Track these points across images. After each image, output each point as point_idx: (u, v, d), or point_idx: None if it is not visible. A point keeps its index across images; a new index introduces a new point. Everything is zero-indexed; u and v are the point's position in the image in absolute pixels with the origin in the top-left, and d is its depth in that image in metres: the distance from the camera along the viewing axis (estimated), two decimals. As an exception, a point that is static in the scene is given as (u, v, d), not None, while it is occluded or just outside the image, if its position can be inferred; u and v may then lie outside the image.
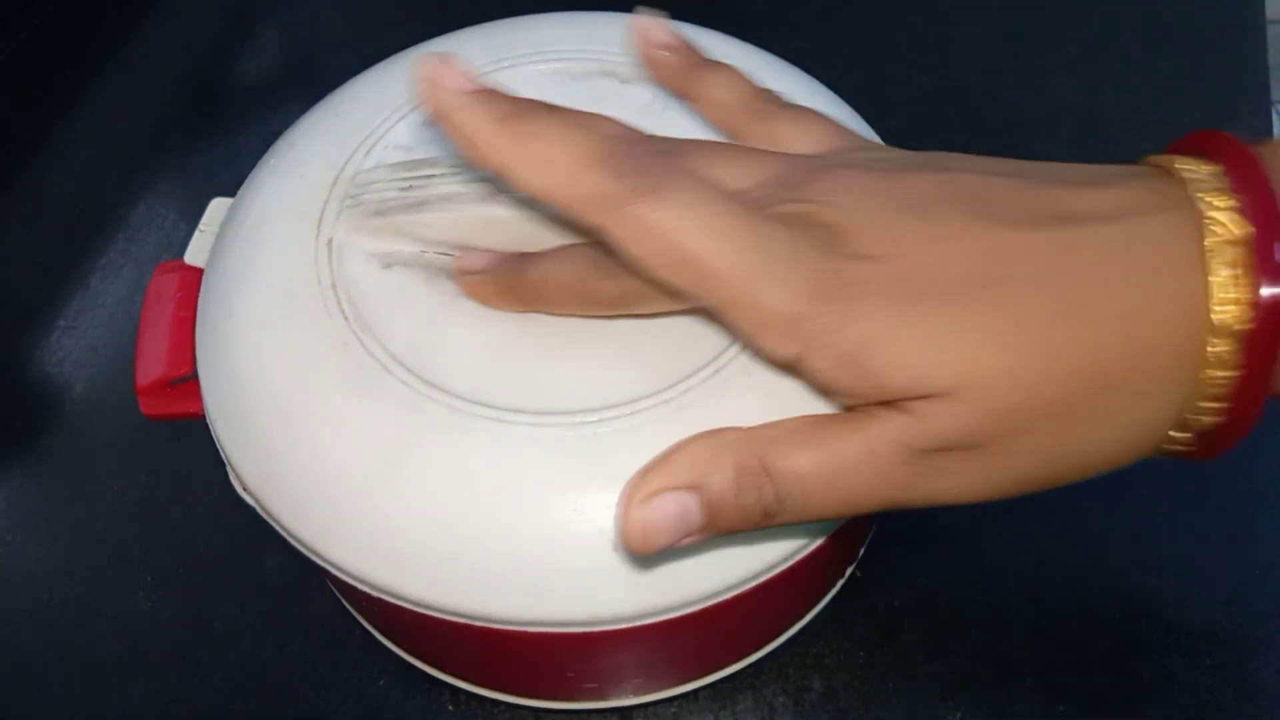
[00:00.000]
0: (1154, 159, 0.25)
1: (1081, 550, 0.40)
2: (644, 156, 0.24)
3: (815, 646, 0.38)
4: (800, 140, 0.28)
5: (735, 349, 0.29)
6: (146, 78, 0.58)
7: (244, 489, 0.31)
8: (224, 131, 0.55)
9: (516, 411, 0.28)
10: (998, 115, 0.53)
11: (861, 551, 0.38)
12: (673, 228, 0.23)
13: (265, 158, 0.36)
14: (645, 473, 0.24)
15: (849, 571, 0.38)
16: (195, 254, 0.35)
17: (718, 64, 0.31)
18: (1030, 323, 0.22)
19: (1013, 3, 0.59)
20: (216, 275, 0.33)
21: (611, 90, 0.35)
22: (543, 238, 0.31)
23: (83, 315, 0.48)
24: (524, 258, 0.29)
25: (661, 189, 0.23)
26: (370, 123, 0.34)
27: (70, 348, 0.47)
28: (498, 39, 0.37)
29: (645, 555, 0.26)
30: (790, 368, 0.24)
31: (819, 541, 0.29)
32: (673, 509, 0.24)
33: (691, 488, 0.24)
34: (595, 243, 0.26)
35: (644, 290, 0.26)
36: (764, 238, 0.23)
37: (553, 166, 0.24)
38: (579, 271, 0.28)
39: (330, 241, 0.32)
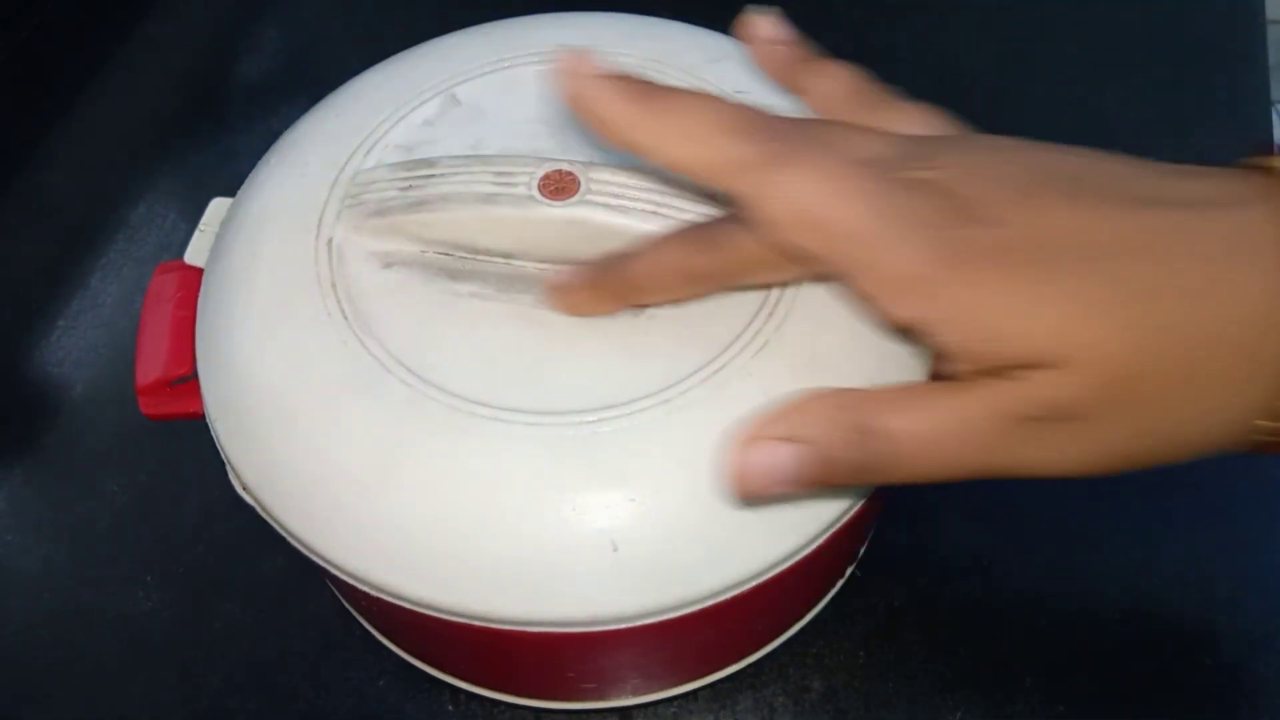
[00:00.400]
0: (1243, 161, 0.26)
1: (1081, 550, 0.40)
2: (777, 125, 0.25)
3: (815, 646, 0.38)
4: (912, 127, 0.28)
5: (734, 349, 0.29)
6: (146, 78, 0.58)
7: (244, 489, 0.31)
8: (224, 131, 0.55)
9: (515, 411, 0.28)
10: (998, 115, 0.53)
11: (861, 551, 0.38)
12: (805, 191, 0.24)
13: (265, 157, 0.35)
14: (750, 422, 0.25)
15: (849, 571, 0.38)
16: (195, 254, 0.35)
17: (827, 60, 0.31)
18: (1140, 298, 0.23)
19: (1013, 3, 0.59)
20: (216, 275, 0.33)
21: None
22: (540, 237, 0.31)
23: (83, 315, 0.48)
24: (614, 258, 0.30)
25: (795, 154, 0.24)
26: (370, 122, 0.34)
27: (70, 348, 0.47)
28: (498, 39, 0.37)
29: (746, 500, 0.27)
30: (908, 330, 0.25)
31: (819, 541, 0.29)
32: (768, 457, 0.25)
33: (790, 439, 0.25)
34: (679, 228, 0.29)
35: (745, 260, 0.28)
36: (892, 202, 0.24)
37: (690, 139, 0.25)
38: (676, 253, 0.29)
39: (330, 241, 0.32)
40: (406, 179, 0.32)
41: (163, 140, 0.55)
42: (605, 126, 0.26)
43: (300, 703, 0.38)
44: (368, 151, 0.34)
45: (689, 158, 0.25)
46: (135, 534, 0.42)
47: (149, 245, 0.50)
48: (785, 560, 0.29)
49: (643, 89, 0.26)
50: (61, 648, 0.39)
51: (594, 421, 0.28)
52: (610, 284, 0.30)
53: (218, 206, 0.36)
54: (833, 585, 0.38)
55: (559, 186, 0.31)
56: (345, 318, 0.30)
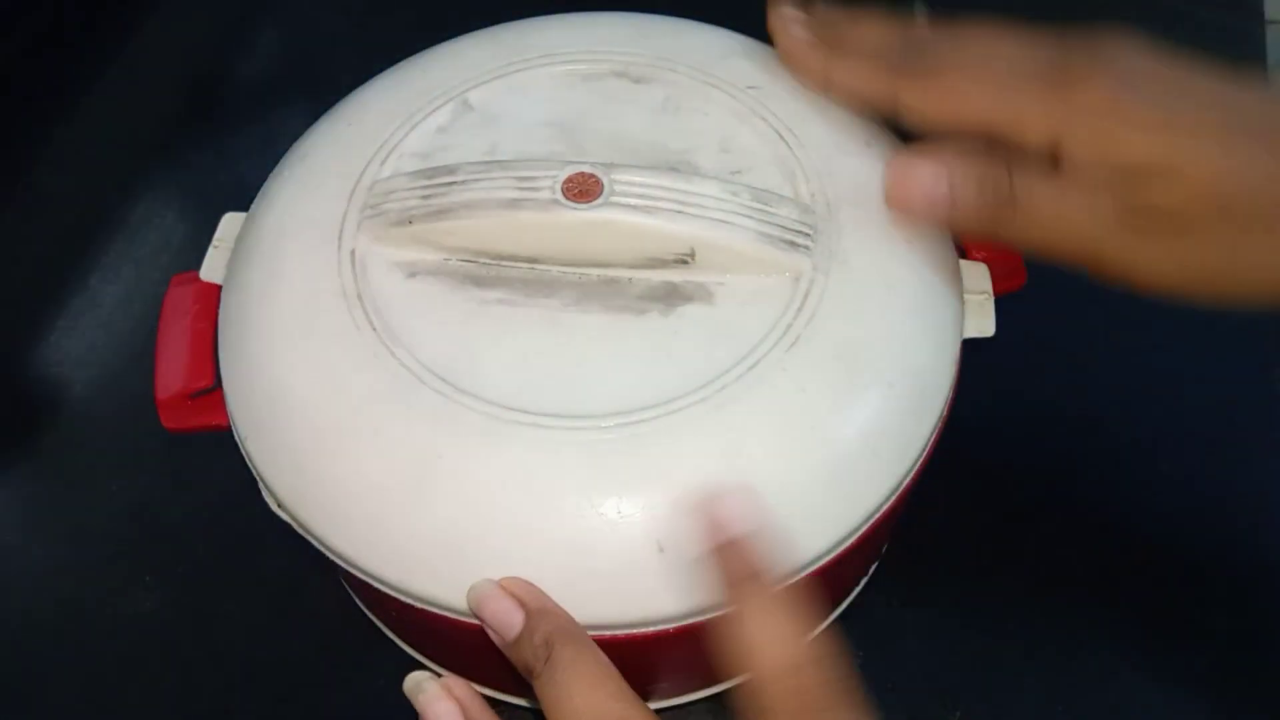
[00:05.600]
0: None
1: (1080, 551, 0.40)
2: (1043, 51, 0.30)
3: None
4: (987, 47, 0.31)
5: (767, 344, 0.29)
6: (146, 78, 0.58)
7: (279, 506, 0.31)
8: (224, 132, 0.55)
9: (552, 415, 0.28)
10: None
11: (884, 548, 0.38)
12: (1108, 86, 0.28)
13: (277, 170, 0.35)
14: (912, 150, 0.31)
15: (871, 569, 0.38)
16: (211, 270, 0.35)
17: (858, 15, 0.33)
18: (1243, 140, 0.27)
19: (1013, 3, 0.59)
20: (238, 290, 0.33)
21: (624, 90, 0.35)
22: (566, 240, 0.31)
23: (83, 315, 0.48)
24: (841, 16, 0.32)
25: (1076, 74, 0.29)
26: (383, 131, 0.34)
27: (70, 348, 0.47)
28: (507, 42, 0.37)
29: (899, 211, 0.31)
30: (1049, 136, 0.28)
31: (862, 530, 0.30)
32: (928, 173, 0.30)
33: (945, 165, 0.30)
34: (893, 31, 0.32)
35: (931, 56, 0.31)
36: (1040, 60, 0.29)
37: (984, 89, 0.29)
38: (888, 36, 0.32)
39: (353, 253, 0.32)
40: (427, 187, 0.32)
41: (162, 140, 0.55)
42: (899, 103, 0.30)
43: (300, 703, 0.38)
44: (383, 160, 0.33)
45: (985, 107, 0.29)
46: (135, 534, 0.42)
47: (148, 245, 0.50)
48: (830, 551, 0.29)
49: (914, 57, 0.30)
50: (61, 647, 0.39)
51: (633, 423, 0.28)
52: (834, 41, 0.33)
53: (231, 222, 0.36)
54: (859, 580, 0.38)
55: (582, 189, 0.31)
56: (374, 329, 0.30)
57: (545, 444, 0.28)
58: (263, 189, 0.35)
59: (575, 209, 0.30)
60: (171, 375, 0.33)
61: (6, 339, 0.48)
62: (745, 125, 0.34)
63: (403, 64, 0.37)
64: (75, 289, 0.49)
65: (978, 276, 0.34)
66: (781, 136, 0.33)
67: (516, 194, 0.31)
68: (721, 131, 0.34)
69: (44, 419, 0.45)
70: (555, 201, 0.31)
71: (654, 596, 0.28)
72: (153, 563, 0.41)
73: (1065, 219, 0.28)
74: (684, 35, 0.37)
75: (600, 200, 0.31)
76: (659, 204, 0.31)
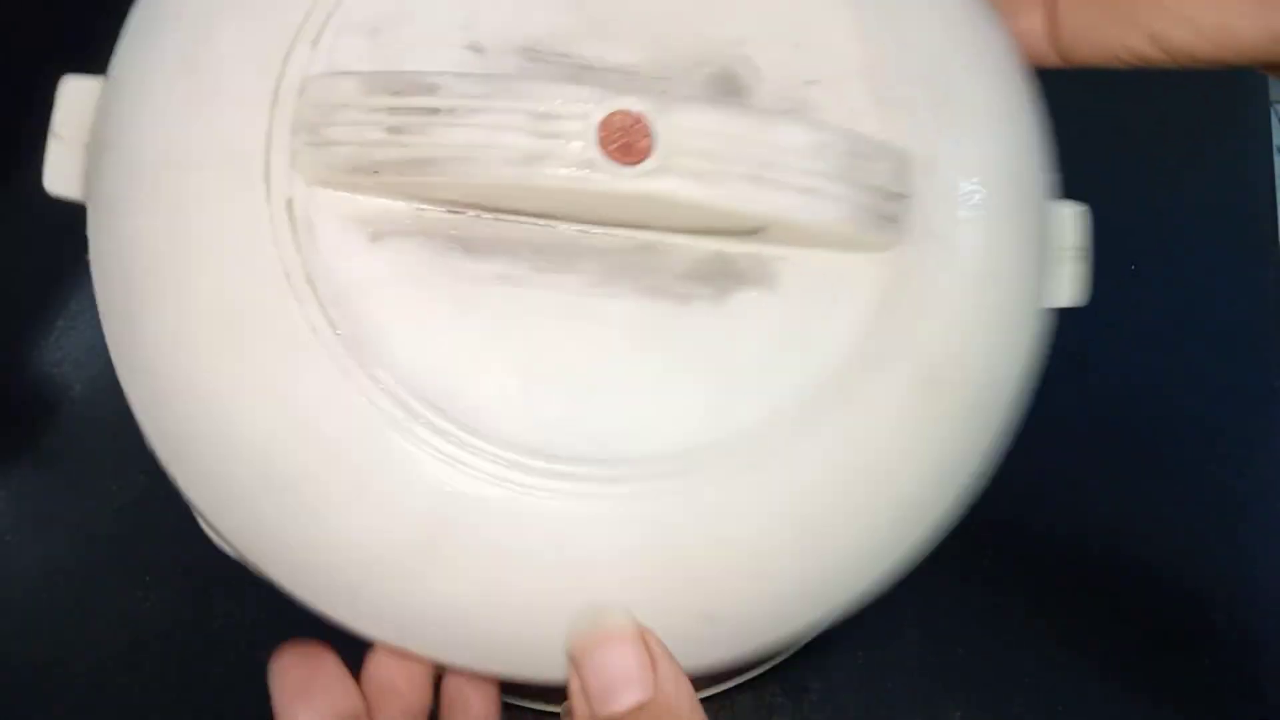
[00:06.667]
0: None
1: (1080, 552, 0.40)
2: None
3: (814, 646, 0.38)
4: None
5: (847, 358, 0.23)
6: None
7: (224, 543, 0.25)
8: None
9: (582, 461, 0.22)
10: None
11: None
12: None
13: (133, 28, 0.25)
14: None
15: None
16: (59, 178, 0.25)
17: None
18: None
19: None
20: (116, 247, 0.23)
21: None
22: (599, 206, 0.23)
23: (83, 315, 0.48)
24: None
25: None
26: None
27: (70, 348, 0.47)
28: None
29: None
30: None
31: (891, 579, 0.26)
32: None
33: None
34: None
35: None
36: None
37: None
38: None
39: (290, 204, 0.22)
40: (393, 111, 0.22)
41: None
42: None
43: (300, 703, 0.38)
44: (315, 39, 0.22)
45: None
46: (135, 534, 0.42)
47: (149, 245, 0.50)
48: (879, 588, 0.25)
49: None
50: (61, 648, 0.39)
51: (681, 472, 0.22)
52: None
53: (76, 96, 0.25)
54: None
55: (626, 142, 0.22)
56: (336, 333, 0.21)
57: (576, 507, 0.22)
58: (117, 65, 0.24)
59: (619, 175, 0.21)
60: None
61: (6, 339, 0.48)
62: (828, 9, 0.25)
63: None
64: (75, 289, 0.49)
65: (1070, 225, 0.27)
66: (875, 35, 0.24)
67: (533, 143, 0.21)
68: (794, 13, 0.24)
69: (44, 419, 0.45)
70: (590, 161, 0.21)
71: (698, 661, 0.23)
72: (153, 563, 0.41)
73: None
74: None
75: (653, 162, 0.22)
76: (730, 166, 0.22)
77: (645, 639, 0.21)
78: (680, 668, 0.21)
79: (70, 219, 0.54)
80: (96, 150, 0.24)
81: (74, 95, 0.25)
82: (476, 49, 0.23)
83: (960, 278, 0.24)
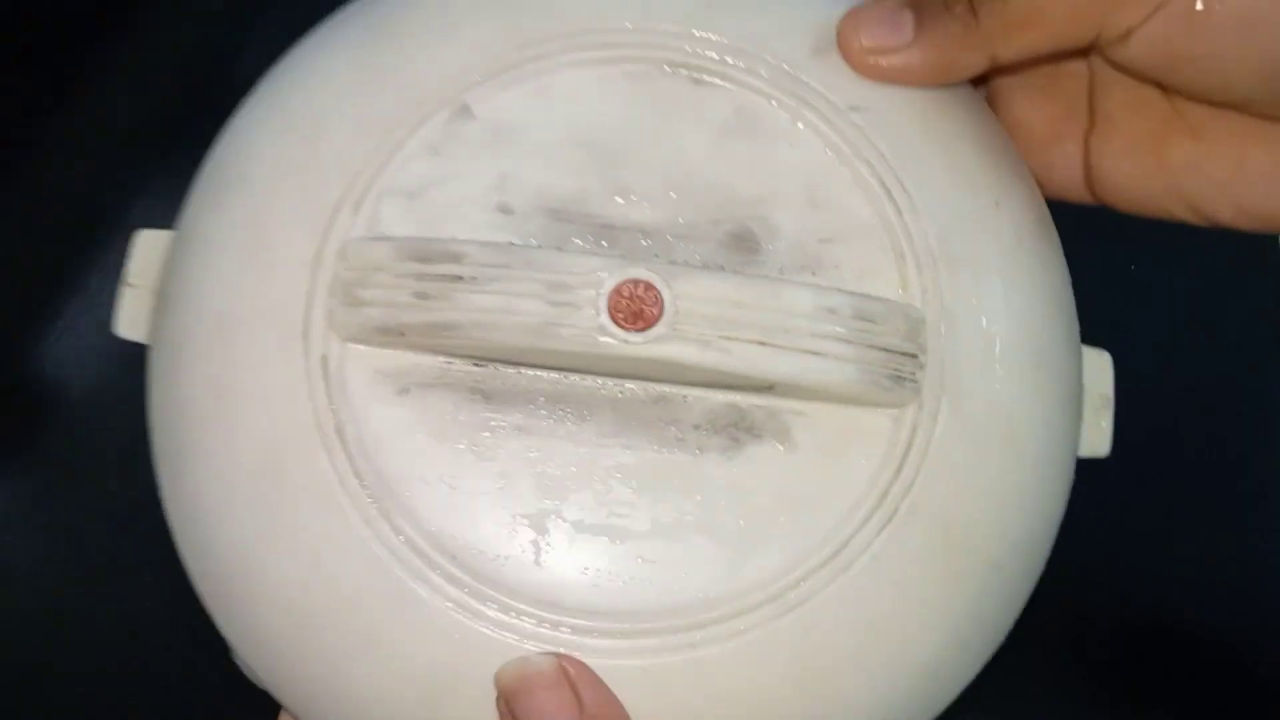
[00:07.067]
0: None
1: (1081, 552, 0.40)
2: None
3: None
4: None
5: (859, 519, 0.24)
6: (146, 77, 0.58)
7: (254, 677, 0.27)
8: (224, 132, 0.55)
9: (595, 614, 0.23)
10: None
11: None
12: None
13: (202, 195, 0.27)
14: None
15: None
16: (130, 323, 0.28)
17: None
18: None
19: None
20: (172, 394, 0.26)
21: (680, 95, 0.26)
22: (607, 366, 0.24)
23: (82, 316, 0.48)
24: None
25: None
26: (354, 154, 0.25)
27: (70, 348, 0.47)
28: (516, 11, 0.26)
29: (854, 66, 0.25)
30: None
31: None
32: (888, 9, 0.24)
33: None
34: None
35: None
36: None
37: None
38: None
39: (324, 360, 0.24)
40: (421, 278, 0.23)
41: (163, 140, 0.55)
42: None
43: (300, 703, 0.38)
44: (357, 205, 0.24)
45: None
46: (135, 534, 0.42)
47: (149, 245, 0.50)
48: None
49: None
50: (61, 647, 0.39)
51: (689, 627, 0.23)
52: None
53: (148, 247, 0.28)
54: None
55: (636, 310, 0.23)
56: (362, 484, 0.23)
57: (590, 659, 0.23)
58: (185, 222, 0.27)
59: (627, 340, 0.23)
60: None
61: (6, 339, 0.48)
62: (842, 167, 0.25)
63: (356, 16, 0.28)
64: (75, 289, 0.49)
65: (1098, 370, 0.28)
66: (889, 192, 0.25)
67: (546, 310, 0.23)
68: (809, 172, 0.25)
69: (44, 419, 0.45)
70: (599, 329, 0.23)
71: None
72: (153, 563, 0.41)
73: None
74: (769, 4, 0.27)
75: (660, 328, 0.23)
76: (736, 331, 0.23)
77: (567, 674, 0.22)
78: (608, 690, 0.22)
79: (70, 220, 0.54)
80: (164, 301, 0.26)
81: (146, 247, 0.28)
82: (506, 210, 0.25)
83: (977, 434, 0.24)
